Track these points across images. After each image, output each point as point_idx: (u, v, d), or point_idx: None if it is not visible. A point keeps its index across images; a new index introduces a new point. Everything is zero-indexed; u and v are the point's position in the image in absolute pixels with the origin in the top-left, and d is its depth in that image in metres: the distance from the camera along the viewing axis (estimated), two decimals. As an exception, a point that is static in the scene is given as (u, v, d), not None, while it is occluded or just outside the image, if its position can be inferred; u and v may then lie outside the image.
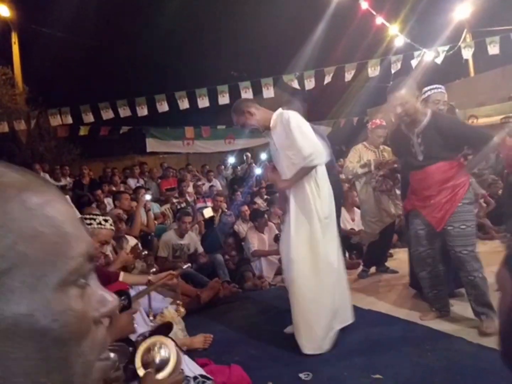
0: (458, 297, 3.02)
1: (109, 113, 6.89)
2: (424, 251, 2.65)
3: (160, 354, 1.12)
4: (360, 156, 3.91)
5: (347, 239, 4.44)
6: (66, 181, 6.66)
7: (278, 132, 2.57)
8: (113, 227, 2.69)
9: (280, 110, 2.63)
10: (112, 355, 0.38)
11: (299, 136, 2.44)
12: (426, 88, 3.15)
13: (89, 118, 7.06)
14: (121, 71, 10.22)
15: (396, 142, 2.85)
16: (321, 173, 2.54)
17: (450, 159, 2.54)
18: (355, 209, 4.84)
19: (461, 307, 2.89)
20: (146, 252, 3.14)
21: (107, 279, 2.15)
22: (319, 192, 2.51)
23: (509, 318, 0.55)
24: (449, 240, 2.53)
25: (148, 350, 1.14)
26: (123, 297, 1.65)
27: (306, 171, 2.47)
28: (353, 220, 4.92)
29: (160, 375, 1.07)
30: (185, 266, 2.86)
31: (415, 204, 2.68)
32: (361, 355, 2.35)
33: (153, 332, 1.51)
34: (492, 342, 2.29)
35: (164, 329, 1.55)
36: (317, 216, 2.48)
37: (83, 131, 8.07)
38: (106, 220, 2.55)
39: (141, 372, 1.10)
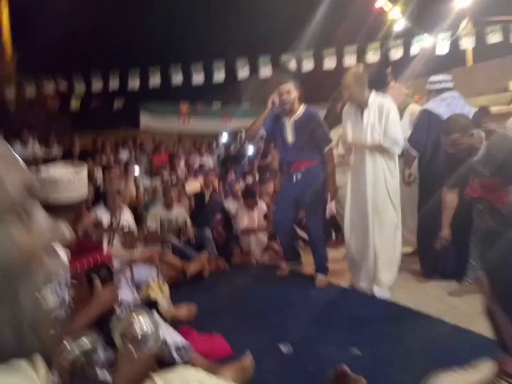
0: (442, 280, 3.09)
1: (100, 84, 6.73)
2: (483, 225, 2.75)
3: (140, 328, 1.12)
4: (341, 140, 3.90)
5: (335, 220, 4.48)
6: (56, 150, 6.56)
7: (371, 112, 2.96)
8: None
9: (375, 93, 3.02)
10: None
11: (393, 125, 2.90)
12: None
13: (80, 88, 6.89)
14: (114, 40, 9.95)
15: (453, 163, 2.78)
16: (395, 157, 3.02)
17: None
18: None
19: (442, 290, 2.97)
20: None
21: (90, 248, 2.15)
22: (393, 176, 2.99)
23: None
24: None
25: (129, 324, 1.14)
26: (103, 271, 1.67)
27: (382, 150, 2.94)
28: None
29: (138, 350, 1.07)
30: (166, 246, 2.92)
31: (482, 195, 2.73)
32: (342, 332, 2.41)
33: None
34: (467, 323, 2.37)
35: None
36: (389, 199, 2.95)
37: (74, 103, 7.89)
38: None
39: (120, 347, 1.10)
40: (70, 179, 1.45)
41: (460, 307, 2.63)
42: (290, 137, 3.33)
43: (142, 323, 1.13)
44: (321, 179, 3.32)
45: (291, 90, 3.26)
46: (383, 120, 2.90)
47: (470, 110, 3.25)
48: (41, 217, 0.38)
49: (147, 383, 1.24)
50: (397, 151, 2.95)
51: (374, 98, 2.98)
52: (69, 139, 7.37)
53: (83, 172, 1.53)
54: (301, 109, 3.32)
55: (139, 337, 1.11)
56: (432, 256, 3.20)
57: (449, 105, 3.19)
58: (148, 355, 1.07)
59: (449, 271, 3.08)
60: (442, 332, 2.34)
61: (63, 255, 1.39)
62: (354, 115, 3.07)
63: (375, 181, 2.98)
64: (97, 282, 1.56)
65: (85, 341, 1.08)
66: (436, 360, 1.97)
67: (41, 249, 0.36)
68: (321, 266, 3.37)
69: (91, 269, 1.66)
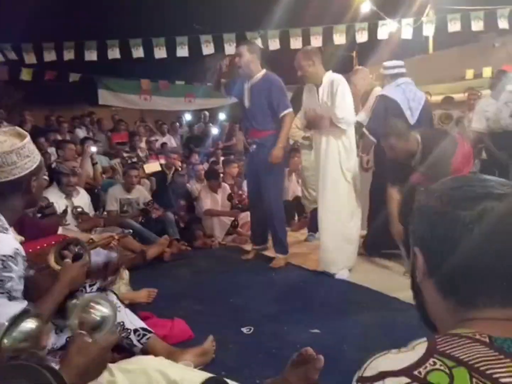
0: (395, 259, 3.21)
1: (52, 55, 6.23)
2: None
3: (96, 314, 1.06)
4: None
5: (299, 202, 4.52)
6: (4, 126, 6.10)
7: (324, 90, 3.02)
8: None
9: (330, 72, 3.08)
10: None
11: (339, 100, 2.91)
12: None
13: (31, 59, 6.36)
14: (70, 8, 9.29)
15: (398, 168, 2.88)
16: (351, 136, 3.05)
17: None
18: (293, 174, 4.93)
19: (397, 270, 3.09)
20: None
21: (44, 231, 2.03)
22: (348, 154, 3.00)
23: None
24: None
25: (84, 309, 1.07)
26: (78, 247, 1.61)
27: (333, 125, 2.96)
28: None
29: (93, 336, 1.01)
30: (126, 231, 2.87)
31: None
32: (302, 312, 2.46)
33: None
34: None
35: None
36: (343, 177, 2.99)
37: (25, 75, 7.32)
38: None
39: (74, 333, 1.04)
40: (6, 152, 1.23)
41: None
42: (247, 101, 3.29)
43: (100, 308, 1.07)
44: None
45: (243, 52, 3.20)
46: (332, 95, 2.96)
47: (422, 96, 3.30)
48: None
49: (105, 373, 1.19)
50: (344, 126, 2.96)
51: (327, 76, 3.04)
52: (20, 114, 6.87)
53: (24, 141, 1.28)
54: (260, 74, 3.27)
55: (96, 322, 1.05)
56: (384, 237, 3.29)
57: (404, 91, 3.25)
58: (104, 343, 1.01)
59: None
60: (398, 310, 2.44)
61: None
62: (311, 93, 3.12)
63: (329, 160, 3.00)
64: (68, 260, 1.50)
65: (30, 324, 0.99)
66: (392, 337, 2.06)
67: None
68: (280, 246, 3.38)
69: (62, 247, 1.58)
